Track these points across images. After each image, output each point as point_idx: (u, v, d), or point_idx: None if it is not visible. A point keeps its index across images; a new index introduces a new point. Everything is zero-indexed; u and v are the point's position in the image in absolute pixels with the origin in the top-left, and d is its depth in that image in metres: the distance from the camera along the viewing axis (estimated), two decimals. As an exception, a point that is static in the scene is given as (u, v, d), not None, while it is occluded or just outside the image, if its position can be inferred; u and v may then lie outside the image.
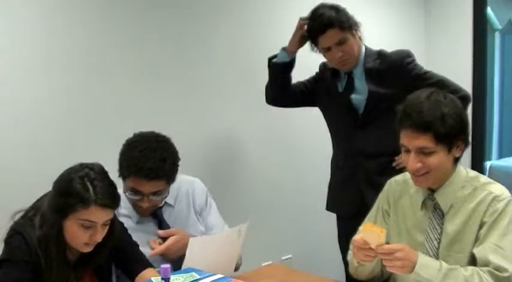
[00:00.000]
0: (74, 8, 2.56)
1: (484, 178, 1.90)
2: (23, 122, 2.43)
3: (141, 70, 2.80)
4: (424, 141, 1.77)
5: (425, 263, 1.74)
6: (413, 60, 2.59)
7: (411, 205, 1.96)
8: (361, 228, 1.79)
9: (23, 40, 2.42)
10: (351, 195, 2.65)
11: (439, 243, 1.87)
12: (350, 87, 2.62)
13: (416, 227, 1.94)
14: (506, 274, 1.73)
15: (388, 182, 2.08)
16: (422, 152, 1.79)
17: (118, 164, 2.13)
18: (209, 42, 3.06)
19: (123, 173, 2.12)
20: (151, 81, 2.84)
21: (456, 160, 1.87)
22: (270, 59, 2.69)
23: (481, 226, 1.81)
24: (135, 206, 2.18)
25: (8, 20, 2.38)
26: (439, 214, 1.88)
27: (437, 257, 1.86)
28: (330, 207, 2.82)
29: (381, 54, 2.62)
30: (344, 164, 2.70)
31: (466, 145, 1.86)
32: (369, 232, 1.74)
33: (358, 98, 2.60)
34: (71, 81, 2.57)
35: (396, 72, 2.55)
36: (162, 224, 2.23)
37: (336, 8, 2.49)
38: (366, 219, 2.09)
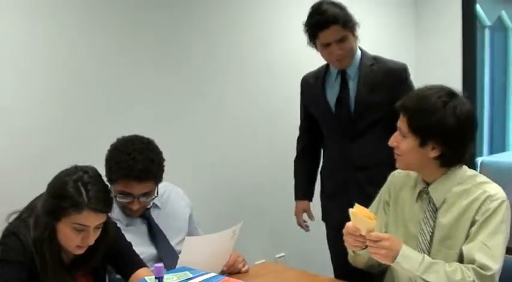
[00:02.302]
0: (65, 11, 2.55)
1: (481, 177, 1.92)
2: (17, 124, 2.43)
3: (135, 74, 2.81)
4: (401, 121, 1.88)
5: (408, 254, 1.78)
6: (409, 76, 2.59)
7: (410, 197, 1.99)
8: (352, 210, 1.81)
9: (14, 43, 2.42)
10: (342, 206, 2.59)
11: (431, 237, 1.89)
12: (344, 89, 2.57)
13: (412, 219, 1.96)
14: (489, 273, 1.74)
15: (392, 174, 2.11)
16: (400, 133, 1.89)
17: (105, 168, 2.15)
18: (199, 45, 3.07)
19: (112, 176, 2.14)
20: (145, 86, 2.85)
21: (445, 163, 1.87)
22: None
23: (472, 224, 1.82)
24: (125, 208, 2.21)
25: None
26: (433, 208, 1.91)
27: (429, 250, 1.88)
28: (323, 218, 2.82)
29: (377, 59, 2.60)
30: (334, 176, 2.68)
31: (446, 155, 1.85)
32: (359, 218, 1.78)
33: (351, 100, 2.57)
34: (64, 85, 2.56)
35: (393, 81, 2.52)
36: (151, 224, 2.26)
37: (339, 6, 2.48)
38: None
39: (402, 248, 1.78)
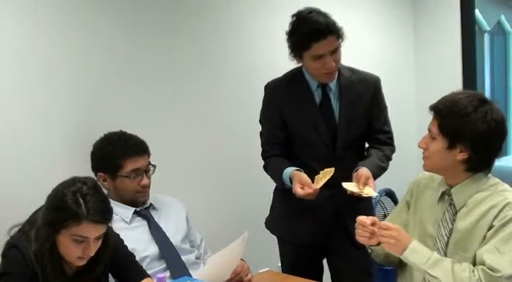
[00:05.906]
0: (65, 10, 2.56)
1: (503, 185, 1.95)
2: (15, 134, 2.42)
3: (131, 76, 2.80)
4: (432, 123, 1.93)
5: (417, 249, 1.84)
6: (382, 89, 2.52)
7: (432, 198, 2.03)
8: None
9: (16, 43, 2.41)
10: (325, 222, 2.46)
11: (448, 238, 1.93)
12: (326, 103, 2.43)
13: (431, 219, 2.00)
14: (498, 274, 1.77)
15: (417, 175, 2.17)
16: (430, 135, 1.94)
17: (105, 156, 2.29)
18: (195, 46, 3.07)
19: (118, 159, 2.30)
20: (143, 88, 2.84)
21: (471, 168, 1.91)
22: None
23: (489, 229, 1.85)
24: (136, 190, 2.31)
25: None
26: (453, 210, 1.94)
27: (445, 251, 1.92)
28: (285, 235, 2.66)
29: (353, 70, 2.50)
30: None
31: (472, 160, 1.88)
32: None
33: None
34: (62, 89, 2.56)
35: (370, 92, 2.45)
36: (152, 223, 2.34)
37: (328, 15, 2.33)
38: (393, 212, 2.23)
39: (412, 242, 1.84)
